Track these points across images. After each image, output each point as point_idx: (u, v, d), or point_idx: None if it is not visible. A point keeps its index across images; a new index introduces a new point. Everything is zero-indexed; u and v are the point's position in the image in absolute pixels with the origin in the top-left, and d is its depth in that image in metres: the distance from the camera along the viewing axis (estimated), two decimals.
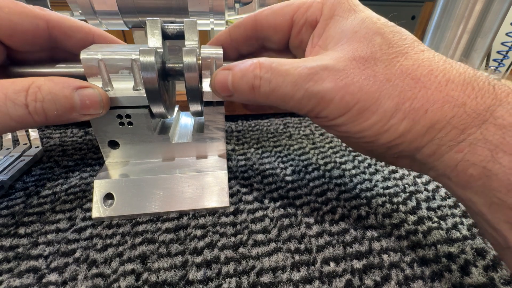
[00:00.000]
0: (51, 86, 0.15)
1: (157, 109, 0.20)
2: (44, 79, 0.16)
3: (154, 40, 0.20)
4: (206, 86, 0.20)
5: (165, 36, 0.20)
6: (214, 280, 0.16)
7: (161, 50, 0.20)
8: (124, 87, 0.19)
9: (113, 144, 0.22)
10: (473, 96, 0.13)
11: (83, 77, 0.19)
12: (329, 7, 0.17)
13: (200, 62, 0.19)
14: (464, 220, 0.21)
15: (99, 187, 0.20)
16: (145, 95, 0.19)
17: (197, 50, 0.20)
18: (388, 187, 0.24)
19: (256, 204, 0.22)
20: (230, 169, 0.26)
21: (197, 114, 0.22)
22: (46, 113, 0.15)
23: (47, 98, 0.15)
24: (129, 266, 0.17)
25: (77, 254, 0.18)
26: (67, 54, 0.21)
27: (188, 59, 0.18)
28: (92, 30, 0.21)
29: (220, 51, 0.20)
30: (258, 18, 0.20)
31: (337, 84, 0.15)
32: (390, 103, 0.14)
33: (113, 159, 0.23)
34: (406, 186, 0.24)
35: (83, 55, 0.18)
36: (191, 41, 0.20)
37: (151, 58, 0.17)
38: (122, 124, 0.21)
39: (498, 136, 0.12)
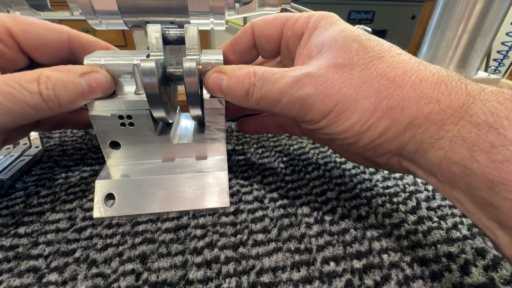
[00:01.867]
0: (58, 75, 0.17)
1: (158, 113, 0.20)
2: (50, 69, 0.17)
3: (155, 46, 0.20)
4: (206, 92, 0.20)
5: (166, 41, 0.21)
6: (214, 280, 0.16)
7: (162, 55, 0.20)
8: (126, 92, 0.20)
9: (115, 145, 0.22)
10: (446, 93, 0.14)
11: None
12: (314, 21, 0.19)
13: (201, 67, 0.19)
14: (464, 220, 0.21)
15: (100, 187, 0.21)
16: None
17: (198, 56, 0.20)
18: (388, 187, 0.24)
19: (256, 204, 0.22)
20: (230, 169, 0.26)
21: (197, 118, 0.22)
22: (59, 100, 0.17)
23: (57, 85, 0.16)
24: (129, 266, 0.17)
25: (77, 254, 0.18)
26: None
27: (188, 65, 0.18)
28: (109, 47, 0.23)
29: (221, 56, 0.20)
30: (254, 27, 0.21)
31: (317, 88, 0.16)
32: (368, 103, 0.15)
33: (114, 160, 0.23)
34: (406, 186, 0.24)
35: (86, 60, 0.19)
36: (191, 47, 0.20)
37: (151, 64, 0.17)
38: (123, 125, 0.21)
39: (474, 134, 0.12)
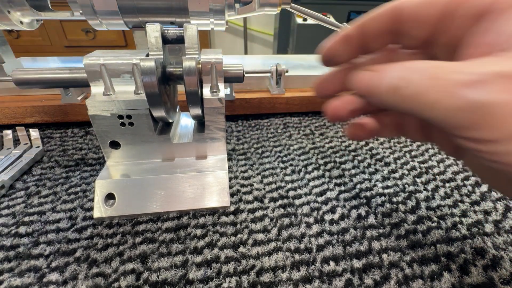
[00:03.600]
0: None
1: (158, 113, 0.20)
2: None
3: (154, 46, 0.20)
4: (206, 91, 0.20)
5: (165, 40, 0.21)
6: (214, 279, 0.16)
7: (161, 55, 0.20)
8: (126, 91, 0.20)
9: (114, 145, 0.22)
10: None
11: (85, 82, 0.19)
12: None
13: (200, 66, 0.20)
14: (463, 219, 0.21)
15: (101, 187, 0.21)
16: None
17: (197, 55, 0.20)
18: (387, 187, 0.24)
19: (256, 204, 0.22)
20: (230, 169, 0.26)
21: (197, 117, 0.22)
22: None
23: None
24: (129, 266, 0.17)
25: (77, 254, 0.18)
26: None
27: (188, 64, 0.18)
28: None
29: (220, 55, 0.20)
30: (400, 8, 0.15)
31: None
32: None
33: (114, 159, 0.23)
34: (406, 185, 0.24)
35: (85, 60, 0.19)
36: (190, 46, 0.20)
37: (151, 63, 0.18)
38: (123, 124, 0.21)
39: None
